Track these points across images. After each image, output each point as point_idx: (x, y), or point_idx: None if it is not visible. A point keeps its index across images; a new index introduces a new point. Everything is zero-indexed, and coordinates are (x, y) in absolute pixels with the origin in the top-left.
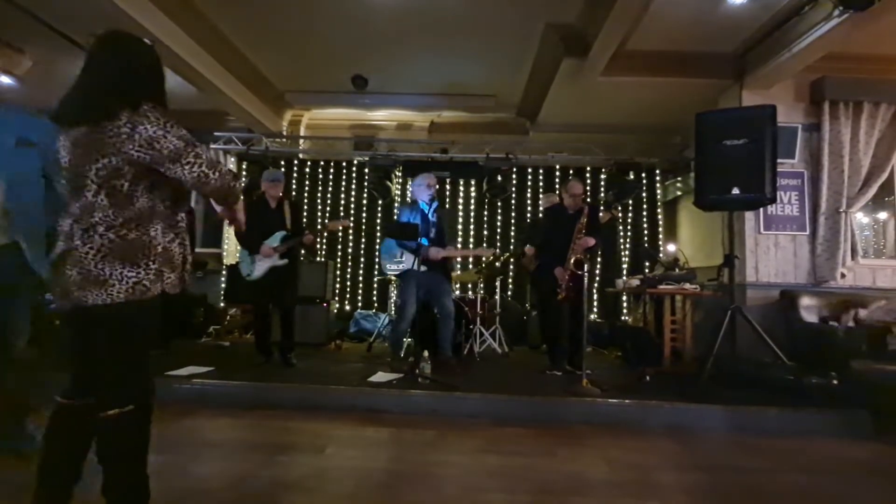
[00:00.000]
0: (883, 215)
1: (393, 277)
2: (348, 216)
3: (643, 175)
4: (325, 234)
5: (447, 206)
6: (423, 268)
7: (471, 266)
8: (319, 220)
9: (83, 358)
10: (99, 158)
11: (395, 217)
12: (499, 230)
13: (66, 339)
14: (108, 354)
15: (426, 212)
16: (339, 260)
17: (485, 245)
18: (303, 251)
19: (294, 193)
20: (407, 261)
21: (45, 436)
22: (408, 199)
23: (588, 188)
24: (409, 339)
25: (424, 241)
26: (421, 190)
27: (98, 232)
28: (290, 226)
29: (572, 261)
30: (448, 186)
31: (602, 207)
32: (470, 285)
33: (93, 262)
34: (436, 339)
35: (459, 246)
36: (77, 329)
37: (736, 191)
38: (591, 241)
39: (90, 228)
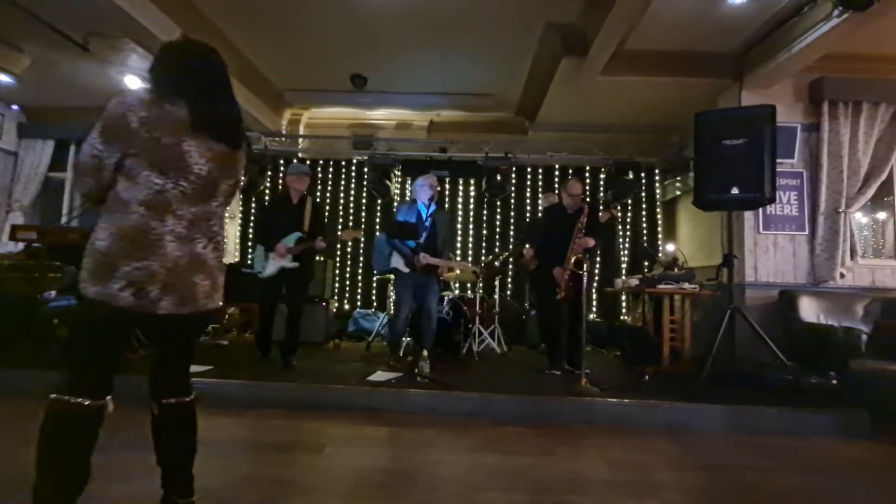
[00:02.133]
0: (882, 215)
1: (393, 277)
2: (347, 215)
3: (642, 175)
4: (337, 244)
5: (447, 205)
6: (408, 269)
7: (470, 265)
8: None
9: (177, 357)
10: (232, 175)
11: (394, 214)
12: (498, 230)
13: (158, 341)
14: (194, 348)
15: (423, 214)
16: (338, 259)
17: (484, 245)
18: (317, 255)
19: (317, 198)
20: (394, 260)
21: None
22: (407, 197)
23: (587, 188)
24: (408, 339)
25: (411, 244)
26: (423, 190)
27: (221, 243)
28: (308, 225)
29: (572, 260)
30: (447, 186)
31: (601, 207)
32: (469, 285)
33: (218, 272)
34: (419, 332)
35: (459, 251)
36: (182, 331)
37: (735, 190)
38: (591, 242)
39: (216, 237)
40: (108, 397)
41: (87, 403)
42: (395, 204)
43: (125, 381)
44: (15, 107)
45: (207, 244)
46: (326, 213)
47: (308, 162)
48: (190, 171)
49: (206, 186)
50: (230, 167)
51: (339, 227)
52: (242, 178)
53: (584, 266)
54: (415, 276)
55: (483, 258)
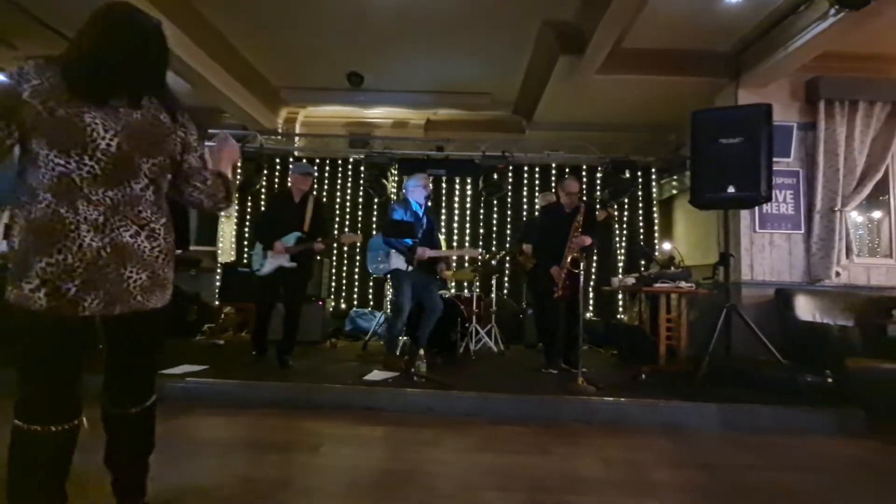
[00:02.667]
0: (877, 214)
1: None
2: (344, 214)
3: (639, 173)
4: (333, 246)
5: (443, 204)
6: (410, 267)
7: (466, 264)
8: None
9: (126, 359)
10: (155, 152)
11: (390, 213)
12: (494, 228)
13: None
14: (152, 353)
15: (419, 213)
16: (334, 258)
17: (481, 244)
18: (318, 255)
19: (314, 194)
20: (393, 261)
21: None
22: (401, 195)
23: (584, 187)
24: (405, 338)
25: (408, 242)
26: (417, 191)
27: (157, 231)
28: (308, 225)
29: (569, 259)
30: (444, 184)
31: (598, 206)
32: (466, 284)
33: (161, 265)
34: (416, 328)
35: (454, 245)
36: (125, 335)
37: (731, 189)
38: (588, 240)
39: (149, 225)
40: (78, 419)
41: (49, 430)
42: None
43: None
44: None
45: (138, 233)
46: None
47: (305, 160)
48: (95, 147)
49: (121, 165)
50: (151, 142)
51: (336, 226)
52: (187, 156)
53: (581, 265)
54: (415, 276)
55: (480, 257)
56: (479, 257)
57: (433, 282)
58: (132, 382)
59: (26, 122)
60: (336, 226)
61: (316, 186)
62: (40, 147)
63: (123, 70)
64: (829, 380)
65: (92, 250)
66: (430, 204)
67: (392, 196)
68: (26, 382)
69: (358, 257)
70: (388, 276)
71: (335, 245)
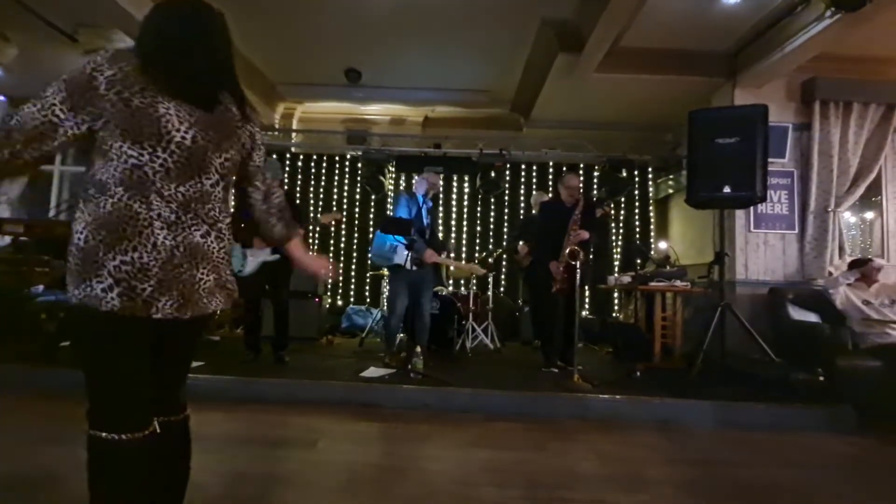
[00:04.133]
0: (870, 215)
1: (385, 272)
2: (340, 210)
3: (636, 172)
4: (319, 228)
5: (440, 201)
6: (414, 267)
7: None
8: (311, 215)
9: (173, 370)
10: (228, 147)
11: (390, 206)
12: (492, 226)
13: (168, 352)
14: (191, 359)
15: (421, 208)
16: (331, 255)
17: (478, 242)
18: None
19: (286, 187)
20: (398, 257)
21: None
22: (412, 189)
23: (581, 185)
24: (402, 335)
25: (401, 239)
26: (421, 184)
27: (224, 232)
28: None
29: (567, 252)
30: (441, 182)
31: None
32: (462, 281)
33: (224, 267)
34: (412, 329)
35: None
36: (181, 339)
37: (727, 189)
38: (586, 235)
39: (217, 224)
40: (152, 426)
41: (121, 438)
42: (389, 199)
43: None
44: (1, 98)
45: (208, 232)
46: (320, 208)
47: (301, 156)
48: (169, 139)
49: (194, 159)
50: (224, 137)
51: (333, 224)
52: (254, 153)
53: (579, 257)
54: (411, 273)
55: (476, 256)
56: (481, 273)
57: (431, 281)
58: (174, 388)
59: (103, 114)
60: (332, 223)
61: (313, 182)
62: (113, 139)
63: (205, 62)
64: (821, 378)
65: (166, 248)
66: (430, 203)
67: (389, 192)
68: (97, 388)
69: (354, 254)
70: (387, 270)
71: (331, 242)
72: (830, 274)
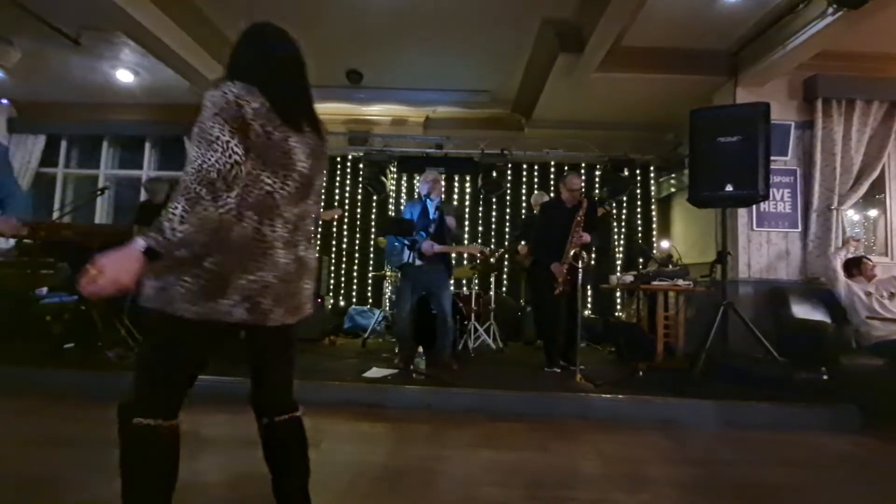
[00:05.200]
0: (873, 213)
1: (388, 273)
2: (342, 212)
3: (637, 172)
4: (319, 226)
5: (442, 201)
6: (418, 262)
7: (465, 262)
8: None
9: (282, 370)
10: (322, 171)
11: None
12: (493, 226)
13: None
14: (296, 359)
15: (428, 207)
16: (333, 255)
17: (479, 242)
18: None
19: None
20: (403, 255)
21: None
22: (417, 194)
23: (583, 185)
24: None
25: (423, 235)
26: (424, 186)
27: (313, 243)
28: None
29: (570, 254)
30: (443, 182)
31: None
32: (465, 281)
33: (315, 275)
34: (434, 336)
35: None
36: (287, 342)
37: (729, 188)
38: (587, 238)
39: (311, 238)
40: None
41: (166, 424)
42: (391, 200)
43: (118, 380)
44: (5, 101)
45: (308, 246)
46: (321, 209)
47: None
48: (294, 168)
49: (305, 185)
50: (322, 163)
51: (335, 224)
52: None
53: (582, 259)
54: (425, 272)
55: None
56: (482, 254)
57: (445, 280)
58: (287, 386)
59: (247, 143)
60: (335, 223)
61: None
62: (253, 167)
63: (308, 99)
64: (825, 377)
65: (283, 266)
66: (438, 200)
67: (391, 193)
68: (173, 380)
69: (357, 255)
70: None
71: (333, 242)
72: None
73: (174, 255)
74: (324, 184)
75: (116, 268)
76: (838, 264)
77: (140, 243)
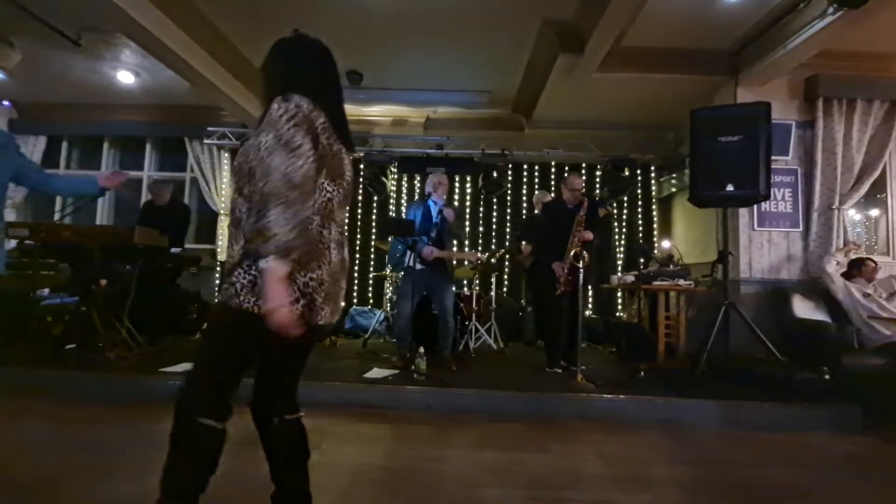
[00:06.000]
0: (875, 212)
1: (388, 273)
2: None
3: (638, 171)
4: None
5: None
6: (419, 266)
7: (466, 263)
8: None
9: (297, 371)
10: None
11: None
12: (494, 226)
13: (295, 355)
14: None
15: (431, 210)
16: None
17: (480, 242)
18: None
19: None
20: (407, 259)
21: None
22: (424, 194)
23: (584, 185)
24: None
25: (424, 240)
26: (429, 185)
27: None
28: None
29: (571, 254)
30: (447, 185)
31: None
32: (465, 281)
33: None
34: (434, 336)
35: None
36: (313, 342)
37: (730, 187)
38: (590, 236)
39: (346, 240)
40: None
41: (221, 427)
42: (392, 201)
43: (120, 381)
44: (6, 102)
45: (345, 247)
46: None
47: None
48: (344, 177)
49: (349, 192)
50: (352, 171)
51: None
52: None
53: (583, 259)
54: (425, 273)
55: (480, 253)
56: (479, 261)
57: (445, 280)
58: (295, 388)
59: (316, 151)
60: None
61: None
62: (318, 175)
63: (344, 113)
64: (827, 377)
65: (334, 265)
66: (441, 203)
67: (391, 194)
68: (225, 380)
69: (357, 255)
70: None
71: None
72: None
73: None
74: None
75: (281, 304)
76: (832, 268)
77: (272, 265)
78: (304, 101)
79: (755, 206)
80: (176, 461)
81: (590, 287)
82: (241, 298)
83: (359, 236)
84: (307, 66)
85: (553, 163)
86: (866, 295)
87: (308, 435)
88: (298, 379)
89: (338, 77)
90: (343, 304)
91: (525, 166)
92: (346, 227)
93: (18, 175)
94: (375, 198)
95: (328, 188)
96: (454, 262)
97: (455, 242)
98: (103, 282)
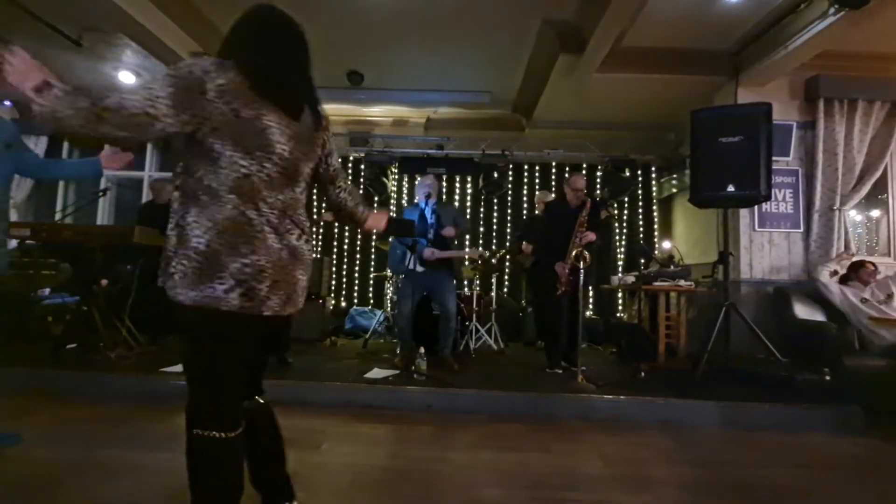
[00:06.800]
0: (876, 213)
1: (389, 274)
2: None
3: (639, 172)
4: (321, 227)
5: (443, 202)
6: (420, 268)
7: (466, 263)
8: (314, 215)
9: (265, 355)
10: (312, 157)
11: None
12: (494, 227)
13: (260, 343)
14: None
15: (426, 212)
16: (334, 256)
17: (481, 242)
18: None
19: None
20: (408, 261)
21: (239, 455)
22: (416, 199)
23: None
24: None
25: (423, 242)
26: (419, 190)
27: (310, 235)
28: None
29: (573, 254)
30: (444, 183)
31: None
32: (466, 282)
33: (311, 269)
34: (435, 336)
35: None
36: (277, 334)
37: (731, 188)
38: (592, 236)
39: (305, 228)
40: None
41: (224, 436)
42: (392, 202)
43: (120, 381)
44: (7, 102)
45: (301, 235)
46: (323, 210)
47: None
48: (273, 150)
49: (290, 170)
50: (309, 148)
51: (336, 225)
52: (326, 164)
53: (585, 259)
54: (426, 275)
55: (480, 251)
56: (481, 258)
57: (448, 281)
58: (262, 375)
59: (210, 121)
60: (336, 224)
61: (315, 184)
62: (224, 148)
63: (299, 77)
64: (827, 378)
65: (275, 252)
66: (433, 203)
67: (392, 194)
68: (206, 388)
69: (358, 255)
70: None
71: (335, 243)
72: (836, 272)
73: (48, 107)
74: (317, 170)
75: (23, 68)
76: (825, 277)
77: (41, 80)
78: (205, 61)
79: (756, 207)
80: (195, 480)
81: (590, 287)
82: (176, 291)
83: (359, 236)
84: (243, 27)
85: (553, 163)
86: (864, 300)
87: (308, 435)
88: (262, 370)
89: (284, 41)
90: (303, 296)
91: (525, 167)
92: (298, 216)
93: (21, 166)
94: (376, 198)
95: (241, 163)
96: (461, 262)
97: (467, 238)
98: (104, 281)
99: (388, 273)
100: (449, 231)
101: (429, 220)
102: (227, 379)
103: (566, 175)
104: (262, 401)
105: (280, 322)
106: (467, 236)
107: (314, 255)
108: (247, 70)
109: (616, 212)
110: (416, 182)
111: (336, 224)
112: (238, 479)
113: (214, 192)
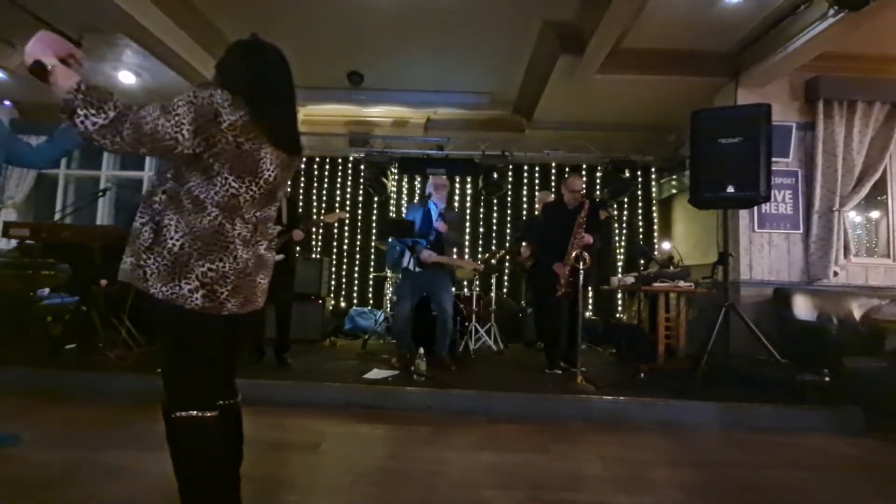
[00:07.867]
0: (875, 214)
1: (388, 274)
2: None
3: (638, 173)
4: (321, 228)
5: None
6: (417, 268)
7: (471, 261)
8: (315, 217)
9: (235, 352)
10: (288, 179)
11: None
12: (494, 227)
13: (228, 343)
14: (240, 350)
15: (432, 213)
16: (334, 256)
17: (480, 243)
18: (297, 247)
19: (289, 189)
20: (405, 260)
21: (221, 437)
22: (425, 196)
23: (584, 187)
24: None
25: (423, 242)
26: (435, 190)
27: (273, 242)
28: (285, 220)
29: (573, 255)
30: (447, 182)
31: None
32: (465, 282)
33: (272, 272)
34: (434, 337)
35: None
36: (245, 330)
37: (731, 189)
38: (590, 240)
39: (271, 237)
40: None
41: (203, 415)
42: (392, 202)
43: (120, 381)
44: (7, 102)
45: (268, 246)
46: (323, 210)
47: (304, 159)
48: (261, 176)
49: (271, 192)
50: (289, 173)
51: (336, 225)
52: None
53: (584, 261)
54: (424, 275)
55: (480, 255)
56: (476, 270)
57: (445, 281)
58: (234, 374)
59: (216, 146)
60: (336, 225)
61: (315, 184)
62: (221, 168)
63: (293, 115)
64: (827, 379)
65: (242, 261)
66: (443, 206)
67: (392, 195)
68: (178, 372)
69: (358, 256)
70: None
71: (334, 243)
72: (836, 274)
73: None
74: (287, 191)
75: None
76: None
77: (72, 84)
78: (222, 95)
79: (755, 208)
80: (183, 470)
81: (590, 288)
82: (149, 284)
83: (359, 236)
84: (244, 64)
85: (553, 164)
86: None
87: (307, 435)
88: (233, 368)
89: (284, 84)
90: (261, 297)
91: (525, 167)
92: (267, 228)
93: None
94: (376, 198)
95: (233, 183)
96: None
97: (455, 250)
98: (103, 282)
99: (388, 273)
100: (441, 225)
101: (434, 222)
102: (197, 364)
103: (565, 176)
104: (235, 401)
105: (244, 318)
106: (465, 247)
107: (315, 256)
108: (256, 115)
109: (616, 212)
110: (430, 180)
111: (336, 225)
112: (222, 460)
113: (200, 203)
